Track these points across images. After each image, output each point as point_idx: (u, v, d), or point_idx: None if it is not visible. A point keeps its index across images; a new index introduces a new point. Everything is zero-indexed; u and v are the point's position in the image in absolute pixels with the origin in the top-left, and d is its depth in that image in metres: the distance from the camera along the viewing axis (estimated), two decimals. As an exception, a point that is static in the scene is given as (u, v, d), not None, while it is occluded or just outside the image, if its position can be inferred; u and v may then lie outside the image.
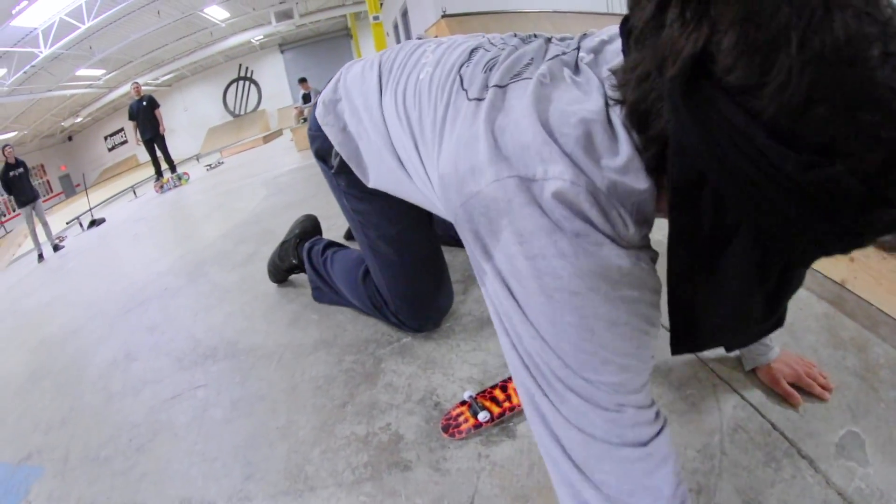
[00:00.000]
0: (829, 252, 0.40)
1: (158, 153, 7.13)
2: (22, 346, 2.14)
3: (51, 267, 4.28)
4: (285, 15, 12.13)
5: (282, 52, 16.94)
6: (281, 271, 1.65)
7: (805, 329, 1.03)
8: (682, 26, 0.36)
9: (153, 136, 7.02)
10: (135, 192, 7.99)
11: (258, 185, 4.41)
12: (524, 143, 0.48)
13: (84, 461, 1.13)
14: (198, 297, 1.90)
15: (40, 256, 4.90)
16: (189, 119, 16.52)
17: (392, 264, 1.08)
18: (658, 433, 0.49)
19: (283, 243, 1.61)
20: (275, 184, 4.18)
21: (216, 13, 11.38)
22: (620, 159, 0.45)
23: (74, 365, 1.70)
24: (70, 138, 17.57)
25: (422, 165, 0.72)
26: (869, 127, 0.30)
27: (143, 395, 1.33)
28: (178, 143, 9.02)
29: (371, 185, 0.95)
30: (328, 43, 17.02)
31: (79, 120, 15.41)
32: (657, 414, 0.51)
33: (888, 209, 0.33)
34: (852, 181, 0.32)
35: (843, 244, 0.38)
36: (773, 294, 0.45)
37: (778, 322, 0.52)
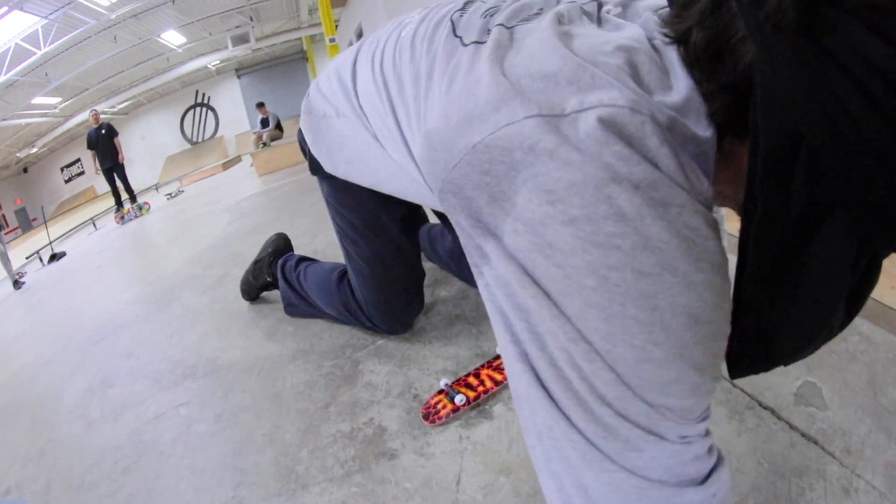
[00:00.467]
0: None
1: (118, 182, 6.96)
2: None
3: (14, 302, 4.13)
4: (241, 39, 12.09)
5: (238, 76, 16.87)
6: (254, 289, 1.67)
7: None
8: None
9: (112, 165, 6.89)
10: (95, 225, 7.79)
11: (221, 211, 4.42)
12: (548, 73, 0.35)
13: (67, 489, 1.12)
14: (171, 321, 1.90)
15: (15, 283, 4.69)
16: (147, 148, 16.24)
17: (366, 277, 1.11)
18: (716, 467, 0.37)
19: (257, 262, 1.64)
20: (238, 209, 4.19)
21: (173, 38, 11.31)
22: (678, 95, 0.33)
23: (49, 396, 1.67)
24: (25, 170, 17.08)
25: (400, 134, 0.58)
26: None
27: (125, 419, 1.32)
28: (137, 172, 8.85)
29: (330, 169, 0.90)
30: (284, 66, 17.07)
31: (34, 150, 15.00)
32: (712, 445, 0.38)
33: None
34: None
35: None
36: (856, 293, 0.34)
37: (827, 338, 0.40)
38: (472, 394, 0.94)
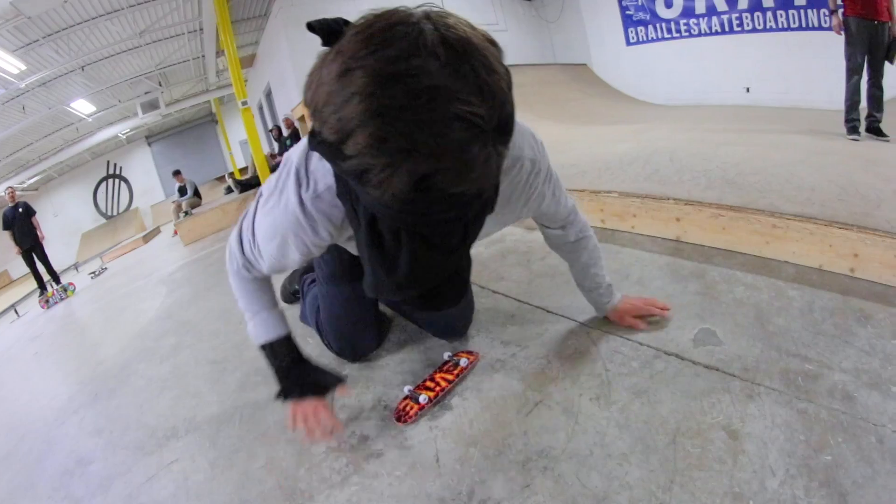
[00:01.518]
0: (378, 187, 0.51)
1: (38, 265, 6.75)
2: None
3: None
4: (151, 105, 11.94)
5: (149, 144, 16.55)
6: (289, 293, 1.98)
7: (652, 277, 1.52)
8: None
9: (32, 246, 6.77)
10: (16, 312, 7.27)
11: (155, 284, 4.37)
12: None
13: None
14: (136, 393, 1.94)
15: None
16: (61, 225, 15.31)
17: (323, 295, 1.39)
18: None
19: (294, 271, 1.90)
20: (172, 280, 4.17)
21: (82, 107, 11.03)
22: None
23: (19, 488, 1.63)
24: None
25: None
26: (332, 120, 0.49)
27: (115, 488, 1.35)
28: (53, 251, 8.35)
29: None
30: (194, 130, 17.01)
31: None
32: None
33: (346, 158, 0.49)
34: (333, 150, 0.50)
35: (361, 191, 0.55)
36: (380, 252, 0.64)
37: (416, 284, 0.68)
38: (431, 393, 1.18)
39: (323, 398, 1.11)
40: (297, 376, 1.11)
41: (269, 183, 0.86)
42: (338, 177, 0.68)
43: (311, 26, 0.52)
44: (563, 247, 1.24)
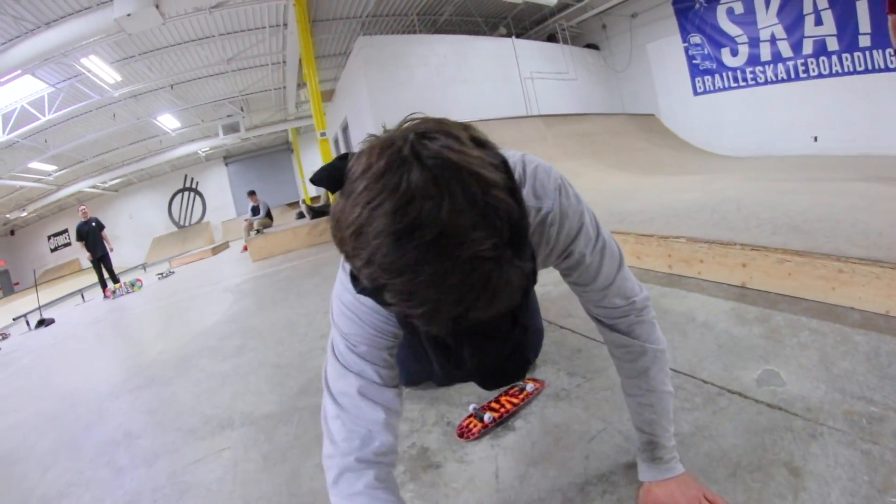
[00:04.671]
0: (424, 326, 0.53)
1: (104, 270, 7.42)
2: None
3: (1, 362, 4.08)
4: (232, 128, 12.71)
5: (226, 164, 17.47)
6: None
7: (717, 321, 1.46)
8: None
9: (102, 256, 7.34)
10: (83, 297, 7.76)
11: (222, 291, 4.54)
12: None
13: None
14: (195, 383, 1.99)
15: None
16: (134, 227, 16.43)
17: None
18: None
19: None
20: (239, 290, 4.31)
21: (168, 122, 11.88)
22: None
23: (62, 447, 1.68)
24: (12, 232, 17.04)
25: None
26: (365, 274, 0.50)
27: (159, 464, 1.37)
28: (123, 251, 9.00)
29: None
30: (270, 156, 17.83)
31: (24, 214, 15.09)
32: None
33: (388, 305, 0.51)
34: (376, 295, 0.51)
35: (410, 321, 0.53)
36: (444, 352, 0.63)
37: (481, 373, 0.70)
38: (496, 414, 1.14)
39: None
40: None
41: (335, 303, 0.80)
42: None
43: (314, 181, 0.60)
44: (616, 352, 0.89)
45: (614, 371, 1.13)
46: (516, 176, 0.61)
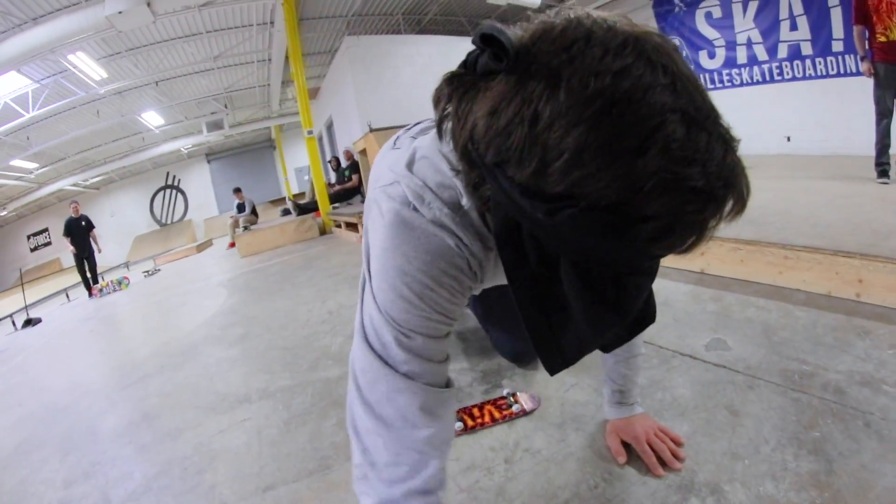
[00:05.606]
0: (629, 264, 0.46)
1: (86, 267, 7.30)
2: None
3: None
4: (216, 125, 12.63)
5: (208, 161, 17.36)
6: None
7: (675, 300, 1.69)
8: (457, 121, 0.49)
9: (88, 255, 7.26)
10: (68, 296, 7.73)
11: (214, 286, 4.59)
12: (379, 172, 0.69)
13: (131, 497, 1.20)
14: (206, 367, 2.10)
15: None
16: (116, 225, 16.21)
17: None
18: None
19: None
20: (232, 284, 4.37)
21: (152, 119, 11.81)
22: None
23: (77, 434, 1.70)
24: None
25: None
26: (595, 175, 0.38)
27: (184, 437, 1.46)
28: (105, 249, 8.85)
29: None
30: (253, 153, 17.77)
31: (3, 214, 14.84)
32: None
33: (643, 225, 0.39)
34: (596, 213, 0.39)
35: (629, 257, 0.44)
36: (616, 301, 0.48)
37: (643, 321, 0.62)
38: (472, 423, 1.20)
39: None
40: None
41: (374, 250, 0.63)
42: (474, 186, 0.53)
43: (485, 39, 0.46)
44: None
45: None
46: None
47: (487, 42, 0.45)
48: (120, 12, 5.27)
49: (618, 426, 1.01)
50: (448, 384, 0.67)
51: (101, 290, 6.59)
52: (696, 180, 0.38)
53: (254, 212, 9.22)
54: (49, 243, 16.18)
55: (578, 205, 0.40)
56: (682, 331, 1.46)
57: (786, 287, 1.63)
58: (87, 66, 7.28)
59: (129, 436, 1.59)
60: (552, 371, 0.56)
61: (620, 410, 1.02)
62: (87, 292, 6.95)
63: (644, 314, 0.62)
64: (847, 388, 1.04)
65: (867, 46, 3.62)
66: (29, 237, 16.59)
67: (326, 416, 1.39)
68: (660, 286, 1.87)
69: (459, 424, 1.19)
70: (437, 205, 0.57)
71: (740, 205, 0.45)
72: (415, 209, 0.58)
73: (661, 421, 1.04)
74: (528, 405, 1.22)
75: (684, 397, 1.12)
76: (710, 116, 0.41)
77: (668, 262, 1.99)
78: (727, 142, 0.42)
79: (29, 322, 5.63)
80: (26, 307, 6.39)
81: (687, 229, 0.43)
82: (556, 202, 0.41)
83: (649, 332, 1.40)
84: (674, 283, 1.89)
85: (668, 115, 0.37)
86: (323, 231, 7.22)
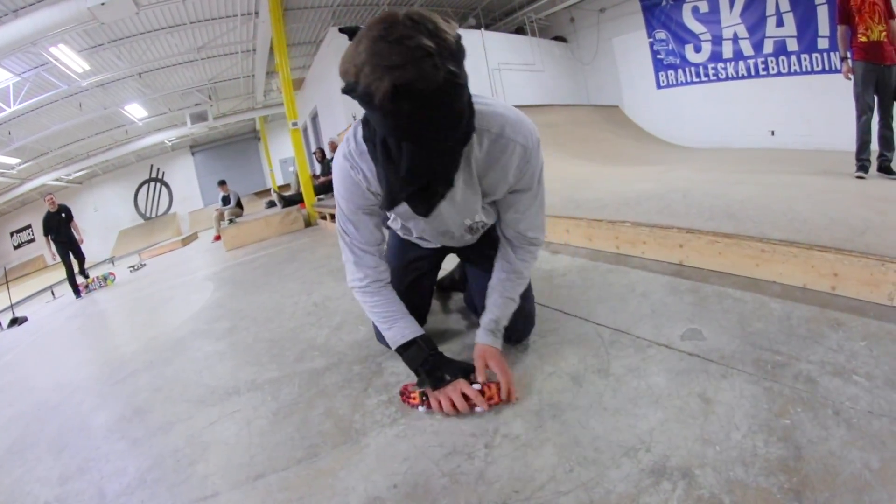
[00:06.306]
0: (382, 93, 0.80)
1: (73, 260, 6.82)
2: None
3: None
4: (200, 117, 12.55)
5: (192, 153, 17.24)
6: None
7: (653, 291, 1.73)
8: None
9: (74, 249, 6.86)
10: (53, 293, 7.64)
11: (201, 280, 4.58)
12: None
13: (126, 490, 1.22)
14: (194, 361, 2.12)
15: None
16: (100, 220, 16.07)
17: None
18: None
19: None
20: (218, 278, 4.37)
21: (135, 111, 11.69)
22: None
23: (70, 431, 1.70)
24: None
25: None
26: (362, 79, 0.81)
27: (176, 430, 1.48)
28: (89, 244, 8.70)
29: None
30: (237, 145, 17.69)
31: None
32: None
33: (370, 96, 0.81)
34: (364, 94, 0.82)
35: (387, 125, 0.86)
36: (401, 158, 0.89)
37: (412, 173, 0.94)
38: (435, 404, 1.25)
39: (462, 379, 1.22)
40: (438, 365, 1.26)
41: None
42: (364, 124, 1.07)
43: (342, 30, 0.92)
44: (501, 257, 1.35)
45: (563, 330, 1.50)
46: (501, 103, 1.13)
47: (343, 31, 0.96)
48: (103, 3, 5.23)
49: (486, 352, 1.28)
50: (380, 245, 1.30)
51: (87, 287, 6.51)
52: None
53: (239, 204, 9.18)
54: (32, 240, 15.99)
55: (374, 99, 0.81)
56: (658, 321, 1.50)
57: (762, 279, 1.67)
58: (69, 58, 7.20)
59: (121, 431, 1.60)
60: (391, 205, 1.01)
61: (492, 339, 1.31)
62: (73, 294, 6.49)
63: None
64: (818, 378, 1.07)
65: (849, 45, 3.70)
66: (12, 234, 16.39)
67: (313, 405, 1.42)
68: (639, 277, 1.92)
69: (423, 409, 1.26)
70: (348, 146, 1.14)
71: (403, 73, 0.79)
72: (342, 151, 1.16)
73: (635, 408, 1.10)
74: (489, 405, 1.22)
75: (658, 385, 1.16)
76: (402, 42, 0.79)
77: (650, 252, 2.08)
78: (412, 49, 0.78)
79: (15, 321, 5.57)
80: (11, 306, 6.31)
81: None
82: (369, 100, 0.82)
83: (626, 324, 1.50)
84: (652, 274, 1.93)
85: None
86: (308, 223, 7.21)
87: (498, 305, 1.33)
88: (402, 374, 1.46)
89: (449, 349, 1.58)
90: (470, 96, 0.93)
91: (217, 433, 1.43)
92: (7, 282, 7.24)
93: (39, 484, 1.40)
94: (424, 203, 1.00)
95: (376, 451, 1.15)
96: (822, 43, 6.51)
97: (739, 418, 0.99)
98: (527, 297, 1.45)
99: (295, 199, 8.10)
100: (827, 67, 6.52)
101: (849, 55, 3.68)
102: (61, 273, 7.33)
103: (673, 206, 2.43)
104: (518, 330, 1.48)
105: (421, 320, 1.61)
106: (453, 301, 2.05)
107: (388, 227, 1.51)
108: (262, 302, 2.91)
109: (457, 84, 0.83)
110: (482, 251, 1.48)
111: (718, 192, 2.65)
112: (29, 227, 16.01)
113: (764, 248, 1.68)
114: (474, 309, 1.69)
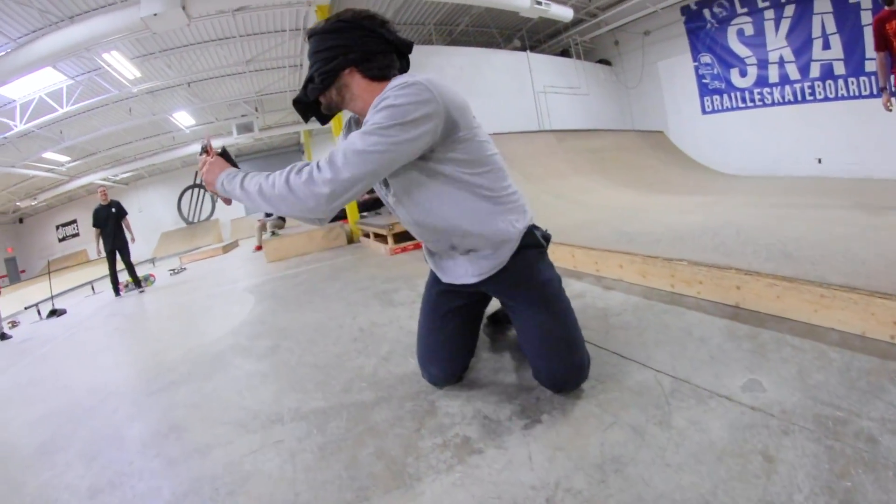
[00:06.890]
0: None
1: (121, 263, 6.53)
2: (12, 422, 2.10)
3: (14, 350, 4.10)
4: (245, 128, 12.78)
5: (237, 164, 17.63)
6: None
7: (711, 336, 1.66)
8: None
9: (121, 247, 6.50)
10: (93, 288, 7.85)
11: (241, 291, 4.57)
12: None
13: None
14: (235, 381, 2.07)
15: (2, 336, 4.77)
16: (143, 221, 16.55)
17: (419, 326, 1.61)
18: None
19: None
20: (259, 291, 4.33)
21: (183, 119, 12.00)
22: None
23: (104, 439, 1.68)
24: (21, 220, 17.23)
25: None
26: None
27: (214, 455, 1.43)
28: (132, 244, 9.04)
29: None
30: (281, 157, 17.96)
31: (34, 203, 15.29)
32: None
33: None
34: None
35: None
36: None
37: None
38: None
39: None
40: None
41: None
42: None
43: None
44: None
45: (621, 377, 1.46)
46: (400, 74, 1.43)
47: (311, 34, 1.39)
48: (155, 14, 5.38)
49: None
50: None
51: (126, 286, 6.61)
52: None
53: (281, 216, 9.28)
54: (77, 234, 16.66)
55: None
56: (718, 369, 1.43)
57: (820, 325, 1.59)
58: (120, 64, 7.45)
59: (156, 447, 1.58)
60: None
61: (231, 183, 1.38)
62: (113, 292, 6.43)
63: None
64: (879, 437, 1.03)
65: (888, 73, 3.52)
66: (58, 227, 17.09)
67: (363, 443, 1.36)
68: (695, 319, 1.84)
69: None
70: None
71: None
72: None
73: (698, 465, 1.06)
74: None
75: (721, 440, 1.11)
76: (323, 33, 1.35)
77: (706, 293, 1.98)
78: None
79: (54, 312, 5.70)
80: (52, 297, 6.48)
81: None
82: None
83: (686, 371, 1.43)
84: (709, 316, 1.84)
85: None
86: (350, 240, 7.20)
87: (249, 176, 1.31)
88: (457, 414, 1.40)
89: (500, 381, 1.51)
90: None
91: (259, 463, 1.38)
92: (49, 273, 7.42)
93: (68, 492, 1.38)
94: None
95: (432, 499, 1.09)
96: (870, 66, 6.23)
97: (801, 479, 0.95)
98: (574, 347, 1.40)
99: (338, 215, 8.04)
100: (875, 91, 6.23)
101: (890, 84, 3.48)
102: (103, 269, 7.40)
103: (728, 242, 2.36)
104: (568, 381, 1.42)
105: (463, 369, 1.61)
106: (508, 336, 1.97)
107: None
108: (305, 321, 2.87)
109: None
110: (505, 290, 1.45)
111: (771, 227, 2.61)
112: (74, 221, 16.70)
113: (824, 293, 1.59)
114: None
